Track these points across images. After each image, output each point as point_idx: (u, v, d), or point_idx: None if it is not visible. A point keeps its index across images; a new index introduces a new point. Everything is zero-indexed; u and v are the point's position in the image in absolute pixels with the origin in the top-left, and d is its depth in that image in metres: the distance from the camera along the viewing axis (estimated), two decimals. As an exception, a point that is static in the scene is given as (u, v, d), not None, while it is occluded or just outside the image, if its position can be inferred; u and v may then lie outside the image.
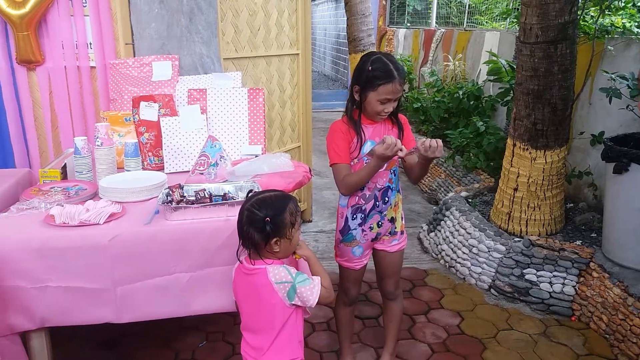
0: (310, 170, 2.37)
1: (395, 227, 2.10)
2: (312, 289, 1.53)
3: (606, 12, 3.41)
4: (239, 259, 1.60)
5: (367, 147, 1.97)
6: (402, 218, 2.15)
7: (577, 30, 2.95)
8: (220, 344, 2.46)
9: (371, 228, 2.04)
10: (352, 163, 1.99)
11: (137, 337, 2.46)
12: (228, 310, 1.85)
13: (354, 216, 2.04)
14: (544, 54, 2.84)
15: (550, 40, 2.81)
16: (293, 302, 1.53)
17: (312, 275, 1.60)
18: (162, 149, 2.48)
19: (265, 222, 1.49)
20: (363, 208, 2.02)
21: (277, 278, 1.52)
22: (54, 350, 1.90)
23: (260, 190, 1.95)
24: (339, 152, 1.97)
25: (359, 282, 2.17)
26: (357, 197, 2.02)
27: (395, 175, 2.04)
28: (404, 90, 1.93)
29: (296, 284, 1.52)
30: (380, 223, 2.05)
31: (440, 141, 1.80)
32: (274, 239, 1.52)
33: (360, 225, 2.04)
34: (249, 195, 1.62)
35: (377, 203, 2.02)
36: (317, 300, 1.54)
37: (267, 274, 1.52)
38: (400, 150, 1.80)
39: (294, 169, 2.28)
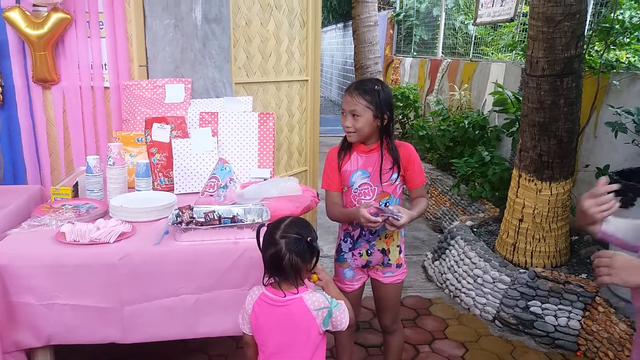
0: (317, 195, 2.39)
1: (389, 260, 2.06)
2: (343, 312, 1.55)
3: (611, 47, 3.48)
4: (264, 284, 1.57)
5: (356, 177, 2.00)
6: (400, 251, 2.09)
7: (583, 64, 3.00)
8: (224, 367, 2.45)
9: (360, 254, 2.06)
10: (343, 189, 2.04)
11: (141, 357, 2.44)
12: (233, 334, 1.84)
13: (345, 239, 2.10)
14: (550, 87, 2.89)
15: (556, 73, 2.86)
16: (327, 328, 1.53)
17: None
18: (172, 170, 2.51)
19: (308, 244, 1.50)
20: (352, 234, 2.07)
21: (316, 305, 1.51)
22: (57, 367, 1.89)
23: (269, 214, 1.98)
24: (327, 180, 2.06)
25: (352, 307, 2.11)
26: (347, 223, 2.07)
27: (387, 207, 1.97)
28: (374, 110, 1.90)
29: (332, 309, 1.52)
30: (369, 252, 2.05)
31: (402, 218, 1.83)
32: (312, 261, 1.52)
33: (350, 249, 2.08)
34: (267, 225, 1.57)
35: (364, 232, 2.03)
36: (348, 323, 1.55)
37: (305, 302, 1.50)
38: (374, 223, 1.84)
39: (302, 193, 2.30)
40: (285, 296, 1.51)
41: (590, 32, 3.41)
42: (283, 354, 1.54)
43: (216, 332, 1.88)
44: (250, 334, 1.61)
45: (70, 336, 1.78)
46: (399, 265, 2.10)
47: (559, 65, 2.85)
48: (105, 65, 2.82)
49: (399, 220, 1.82)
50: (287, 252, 1.47)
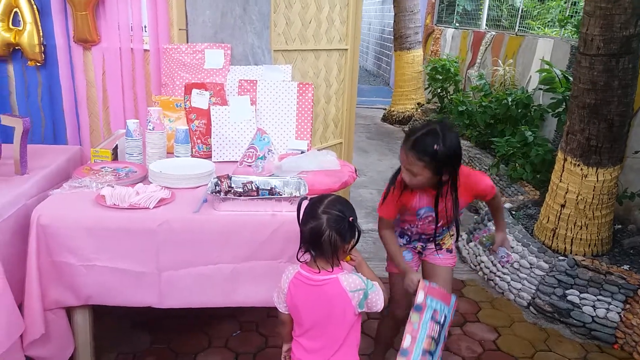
0: (355, 171, 2.34)
1: (443, 244, 2.06)
2: (378, 294, 1.53)
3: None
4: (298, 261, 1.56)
5: (423, 211, 1.91)
6: (452, 241, 2.08)
7: (642, 44, 2.81)
8: (253, 334, 2.47)
9: (415, 247, 2.07)
10: (406, 213, 1.95)
11: (172, 319, 2.49)
12: (268, 305, 1.83)
13: (401, 235, 2.07)
14: (605, 67, 2.72)
15: (612, 53, 2.69)
16: (362, 310, 1.51)
17: None
18: (210, 137, 2.49)
19: (349, 223, 1.47)
20: (408, 233, 2.05)
21: (352, 286, 1.49)
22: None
23: (307, 188, 1.95)
24: (384, 207, 1.93)
25: (406, 298, 1.99)
26: (406, 225, 2.03)
27: (445, 229, 1.99)
28: (433, 170, 1.73)
29: (368, 291, 1.50)
30: (424, 247, 2.06)
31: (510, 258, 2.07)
32: (352, 242, 1.51)
33: (405, 244, 2.08)
34: (309, 200, 1.54)
35: (422, 237, 2.03)
36: (383, 305, 1.53)
37: (341, 283, 1.48)
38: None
39: (340, 168, 2.25)
40: (319, 272, 1.49)
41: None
42: (319, 330, 1.53)
43: (251, 302, 1.89)
44: (287, 313, 1.60)
45: (108, 298, 1.81)
46: (449, 251, 2.06)
47: (615, 44, 2.67)
48: (145, 27, 2.79)
49: (509, 260, 2.06)
50: (327, 228, 1.44)
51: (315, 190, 1.95)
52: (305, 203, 1.54)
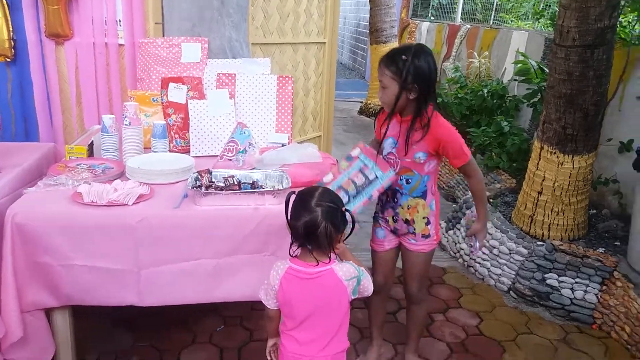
0: (337, 162, 2.34)
1: (415, 229, 2.00)
2: (368, 279, 1.55)
3: (644, 18, 3.33)
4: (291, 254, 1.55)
5: (387, 143, 1.95)
6: (428, 223, 1.99)
7: (615, 35, 2.88)
8: (237, 329, 2.45)
9: (387, 220, 2.06)
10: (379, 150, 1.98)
11: (154, 317, 2.44)
12: (251, 299, 1.82)
13: (378, 202, 2.09)
14: (580, 58, 2.78)
15: (587, 44, 2.74)
16: (355, 296, 1.53)
17: None
18: (188, 132, 2.46)
19: (342, 213, 1.48)
20: (381, 197, 2.06)
21: (347, 275, 1.50)
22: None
23: (290, 181, 1.93)
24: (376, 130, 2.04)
25: (383, 269, 2.13)
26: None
27: (409, 183, 1.94)
28: (399, 82, 1.77)
29: (361, 277, 1.52)
30: (395, 218, 2.03)
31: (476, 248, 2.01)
32: (345, 232, 1.51)
33: (380, 212, 2.09)
34: (296, 194, 1.53)
35: (389, 199, 2.02)
36: (372, 289, 1.57)
37: (336, 273, 1.49)
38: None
39: (322, 160, 2.24)
40: (317, 265, 1.48)
41: (622, 2, 3.25)
42: (314, 322, 1.53)
43: (234, 297, 1.87)
44: (276, 309, 1.59)
45: (88, 297, 1.77)
46: (425, 236, 2.01)
47: (590, 36, 2.73)
48: (119, 21, 2.73)
49: (476, 249, 2.02)
50: (322, 220, 1.44)
51: (297, 183, 1.94)
52: (293, 197, 1.54)
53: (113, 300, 1.79)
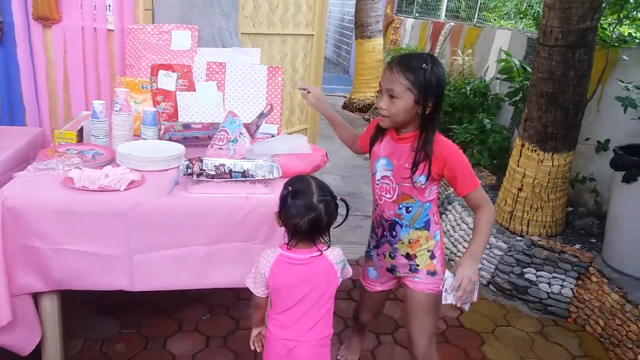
0: (326, 154, 2.37)
1: (417, 265, 1.76)
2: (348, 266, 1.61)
3: (624, 22, 3.43)
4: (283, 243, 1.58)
5: (379, 165, 1.76)
6: (433, 257, 1.75)
7: (596, 37, 2.97)
8: (223, 317, 2.48)
9: (384, 256, 1.83)
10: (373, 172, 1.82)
11: (140, 305, 2.46)
12: (240, 285, 1.84)
13: (371, 234, 1.90)
14: (562, 58, 2.86)
15: (569, 44, 2.82)
16: (341, 279, 1.59)
17: None
18: (177, 120, 2.45)
19: (336, 204, 1.52)
20: (376, 230, 1.85)
21: (337, 259, 1.56)
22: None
23: (280, 171, 1.95)
24: (362, 135, 1.94)
25: (371, 308, 2.03)
26: (373, 213, 1.87)
27: (409, 212, 1.72)
28: (416, 94, 1.58)
29: (345, 260, 1.59)
30: (392, 255, 1.80)
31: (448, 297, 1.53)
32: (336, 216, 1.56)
33: (374, 247, 1.88)
34: (290, 188, 1.53)
35: (385, 233, 1.79)
36: (351, 272, 1.64)
37: (327, 257, 1.54)
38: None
39: (311, 152, 2.27)
40: (312, 250, 1.53)
41: (604, 5, 3.36)
42: (301, 306, 1.56)
43: (224, 284, 1.89)
44: (264, 297, 1.62)
45: (78, 282, 1.77)
46: (431, 273, 1.75)
47: (573, 37, 2.81)
48: (109, 6, 2.70)
49: (446, 299, 1.54)
50: (325, 215, 1.49)
51: (288, 174, 1.96)
52: (279, 188, 1.57)
53: (104, 285, 1.79)
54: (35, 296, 1.81)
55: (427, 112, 1.61)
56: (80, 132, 2.23)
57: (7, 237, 1.66)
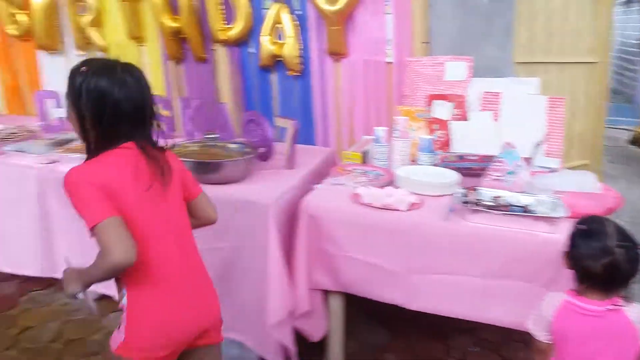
0: (620, 196, 2.10)
1: None
2: None
3: None
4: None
5: None
6: None
7: None
8: (491, 354, 2.41)
9: None
10: None
11: (409, 320, 2.47)
12: (518, 327, 1.74)
13: None
14: None
15: None
16: None
17: None
18: (450, 149, 2.50)
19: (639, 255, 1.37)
20: None
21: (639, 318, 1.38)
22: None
23: (565, 210, 1.80)
24: None
25: None
26: None
27: None
28: None
29: None
30: None
31: None
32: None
33: None
34: (579, 227, 1.43)
35: None
36: None
37: (626, 314, 1.37)
38: None
39: (602, 192, 2.04)
40: (604, 302, 1.37)
41: None
42: None
43: (500, 322, 1.83)
44: (547, 342, 1.50)
45: (362, 289, 1.94)
46: None
47: None
48: (389, 41, 2.93)
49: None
50: (625, 263, 1.34)
51: (574, 213, 1.80)
52: (566, 226, 1.44)
53: (384, 297, 1.92)
54: (324, 294, 2.05)
55: None
56: (365, 154, 2.46)
57: (308, 239, 1.94)
